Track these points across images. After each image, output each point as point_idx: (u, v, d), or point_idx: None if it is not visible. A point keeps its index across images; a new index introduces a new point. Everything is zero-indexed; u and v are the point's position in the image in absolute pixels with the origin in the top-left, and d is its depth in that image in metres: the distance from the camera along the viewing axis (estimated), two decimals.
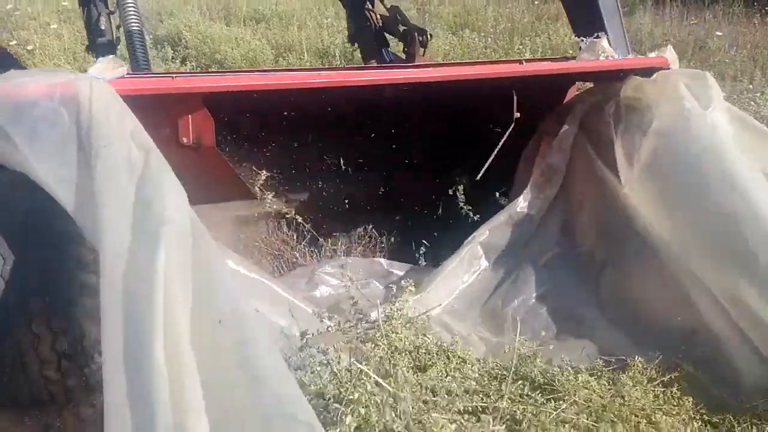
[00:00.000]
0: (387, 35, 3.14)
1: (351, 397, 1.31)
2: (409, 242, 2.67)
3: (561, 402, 1.61)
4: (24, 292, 1.55)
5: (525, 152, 2.61)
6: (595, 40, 2.21)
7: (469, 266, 2.44)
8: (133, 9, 2.28)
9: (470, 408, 1.55)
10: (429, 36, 2.80)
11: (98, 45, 2.45)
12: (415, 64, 2.70)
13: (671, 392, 1.82)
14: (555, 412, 1.55)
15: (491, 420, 1.47)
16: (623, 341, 2.13)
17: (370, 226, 2.74)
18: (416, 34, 2.78)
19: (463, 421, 1.47)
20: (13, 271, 1.52)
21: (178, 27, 6.69)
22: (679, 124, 2.05)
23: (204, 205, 1.83)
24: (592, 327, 2.27)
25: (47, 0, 7.99)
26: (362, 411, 1.29)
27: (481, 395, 1.66)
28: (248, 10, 7.68)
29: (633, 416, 1.64)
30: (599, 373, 1.90)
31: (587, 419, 1.55)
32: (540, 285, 2.44)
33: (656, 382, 1.87)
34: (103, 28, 2.45)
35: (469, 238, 2.44)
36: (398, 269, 2.58)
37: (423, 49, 2.77)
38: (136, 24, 2.33)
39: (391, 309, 2.04)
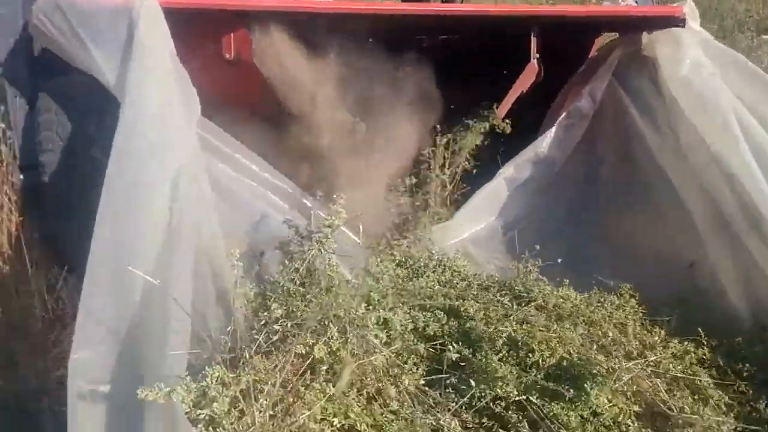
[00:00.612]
0: None
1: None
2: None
3: (527, 306, 1.75)
4: None
5: (556, 100, 2.70)
6: None
7: (493, 200, 2.60)
8: None
9: (428, 305, 1.73)
10: None
11: None
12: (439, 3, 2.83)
13: (656, 310, 1.93)
14: (509, 311, 1.70)
15: (444, 315, 1.66)
16: (630, 278, 2.22)
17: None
18: None
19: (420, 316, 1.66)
20: None
21: None
22: (665, 84, 2.19)
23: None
24: (601, 264, 2.35)
25: None
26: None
27: (456, 299, 1.83)
28: None
29: (603, 321, 1.75)
30: (590, 293, 2.01)
31: (546, 320, 1.67)
32: (557, 222, 2.58)
33: (644, 305, 1.97)
34: None
35: (497, 174, 2.58)
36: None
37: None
38: None
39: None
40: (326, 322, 1.30)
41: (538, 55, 2.42)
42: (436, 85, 2.51)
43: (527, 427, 1.46)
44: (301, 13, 2.08)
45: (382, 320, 1.46)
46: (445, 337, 1.65)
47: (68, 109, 1.99)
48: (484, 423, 1.50)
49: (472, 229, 2.59)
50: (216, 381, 1.17)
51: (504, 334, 1.56)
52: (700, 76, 2.10)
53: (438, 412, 1.44)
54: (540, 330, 1.62)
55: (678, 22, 2.19)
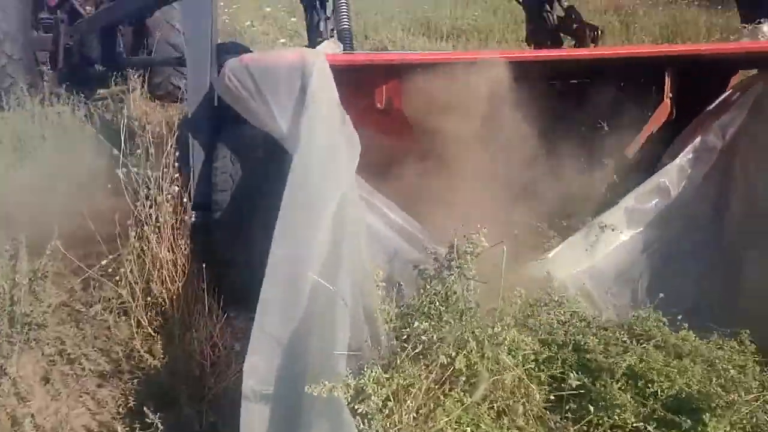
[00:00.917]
0: (562, 35, 3.43)
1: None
2: None
3: (644, 345, 1.83)
4: None
5: (682, 134, 2.67)
6: (757, 25, 2.31)
7: (610, 233, 2.56)
8: (345, 11, 2.81)
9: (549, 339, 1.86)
10: (599, 32, 3.06)
11: (317, 45, 3.03)
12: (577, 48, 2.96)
13: None
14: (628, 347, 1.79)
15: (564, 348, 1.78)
16: (756, 320, 2.15)
17: None
18: (587, 30, 3.07)
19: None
20: None
21: (383, 42, 7.64)
22: None
23: None
24: (725, 315, 2.28)
25: (276, 19, 9.28)
26: None
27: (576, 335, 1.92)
28: (448, 26, 8.37)
29: (720, 362, 1.79)
30: (710, 338, 2.00)
31: (664, 357, 1.75)
32: (680, 263, 2.55)
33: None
34: (321, 29, 2.95)
35: (616, 205, 2.57)
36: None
37: (593, 44, 3.03)
38: (347, 23, 2.84)
39: None
40: (466, 337, 1.50)
41: (671, 95, 2.45)
42: (566, 125, 2.63)
43: None
44: (444, 64, 2.31)
45: (512, 342, 1.64)
46: (565, 367, 1.78)
47: (241, 156, 2.34)
48: None
49: (588, 262, 2.57)
50: (372, 380, 1.41)
51: (623, 365, 1.68)
52: None
53: None
54: (659, 364, 1.71)
55: None
